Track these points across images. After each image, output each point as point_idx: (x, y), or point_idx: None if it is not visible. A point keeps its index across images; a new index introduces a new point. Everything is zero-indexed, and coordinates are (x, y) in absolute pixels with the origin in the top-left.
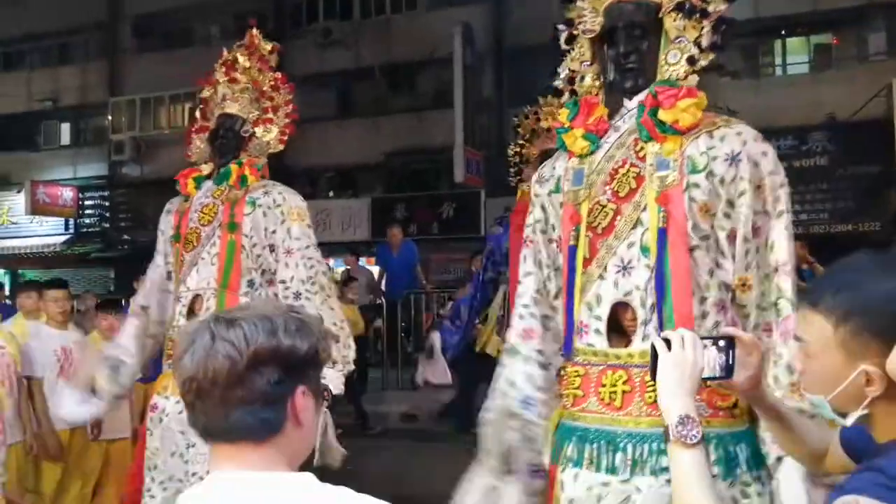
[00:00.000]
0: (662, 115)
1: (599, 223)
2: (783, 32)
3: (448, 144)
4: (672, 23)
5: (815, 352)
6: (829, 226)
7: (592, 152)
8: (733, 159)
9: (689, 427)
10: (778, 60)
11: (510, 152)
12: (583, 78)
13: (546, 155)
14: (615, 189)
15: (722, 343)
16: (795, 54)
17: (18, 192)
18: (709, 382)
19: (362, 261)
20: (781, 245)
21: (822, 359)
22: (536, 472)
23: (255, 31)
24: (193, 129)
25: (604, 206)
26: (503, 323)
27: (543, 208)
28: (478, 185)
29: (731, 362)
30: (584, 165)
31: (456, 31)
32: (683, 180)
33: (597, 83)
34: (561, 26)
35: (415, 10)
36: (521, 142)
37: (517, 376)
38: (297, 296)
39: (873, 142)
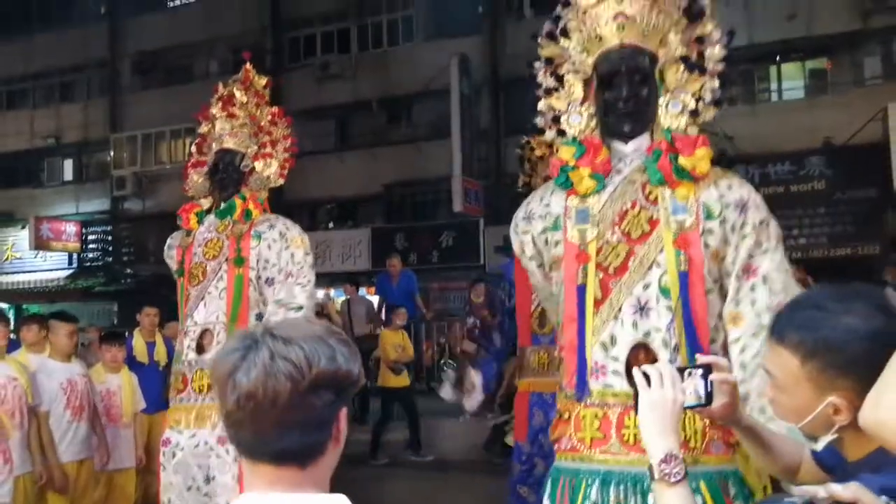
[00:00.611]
0: (683, 161)
1: (611, 263)
2: (778, 58)
3: (446, 174)
4: (673, 75)
5: (784, 384)
6: (828, 249)
7: (596, 192)
8: (742, 207)
9: (673, 465)
10: (773, 86)
11: (520, 182)
12: (570, 117)
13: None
14: (626, 230)
15: (700, 371)
16: (791, 79)
17: (23, 227)
18: (689, 411)
19: (362, 290)
20: (776, 278)
21: (791, 391)
22: None
23: (248, 65)
24: (190, 164)
25: (614, 247)
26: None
27: (535, 244)
28: (476, 214)
29: (709, 390)
30: (587, 205)
31: (452, 62)
32: (700, 225)
33: (591, 123)
34: (538, 64)
35: (411, 42)
36: (528, 172)
37: None
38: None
39: (870, 165)
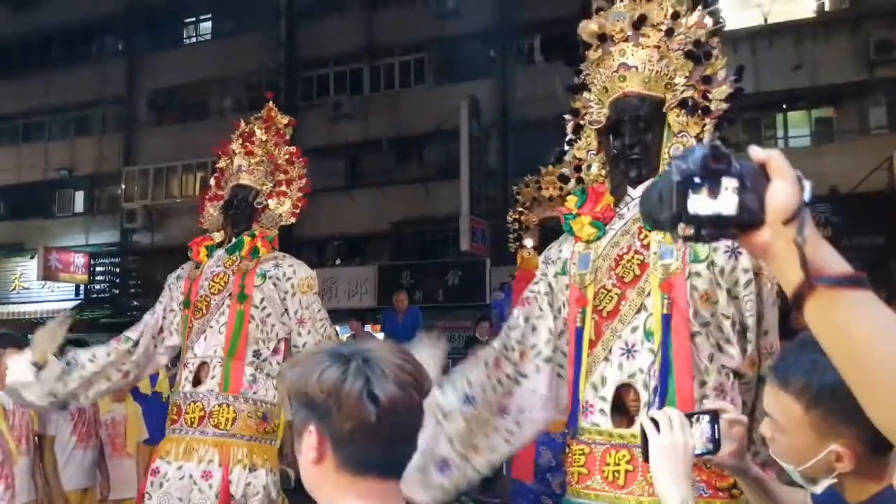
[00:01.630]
0: None
1: (605, 307)
2: (784, 106)
3: (454, 214)
4: (675, 118)
5: (785, 427)
6: None
7: (599, 238)
8: (733, 252)
9: None
10: (780, 133)
11: (509, 219)
12: (589, 166)
13: (545, 223)
14: (620, 274)
15: (707, 418)
16: (797, 127)
17: (31, 258)
18: (697, 459)
19: (367, 327)
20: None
21: (792, 435)
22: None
23: (271, 104)
24: (207, 198)
25: (609, 291)
26: None
27: (550, 286)
28: (483, 253)
29: (717, 436)
30: (590, 251)
31: (463, 104)
32: (686, 269)
33: (603, 172)
34: (567, 116)
35: (423, 84)
36: (520, 209)
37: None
38: None
39: (876, 214)
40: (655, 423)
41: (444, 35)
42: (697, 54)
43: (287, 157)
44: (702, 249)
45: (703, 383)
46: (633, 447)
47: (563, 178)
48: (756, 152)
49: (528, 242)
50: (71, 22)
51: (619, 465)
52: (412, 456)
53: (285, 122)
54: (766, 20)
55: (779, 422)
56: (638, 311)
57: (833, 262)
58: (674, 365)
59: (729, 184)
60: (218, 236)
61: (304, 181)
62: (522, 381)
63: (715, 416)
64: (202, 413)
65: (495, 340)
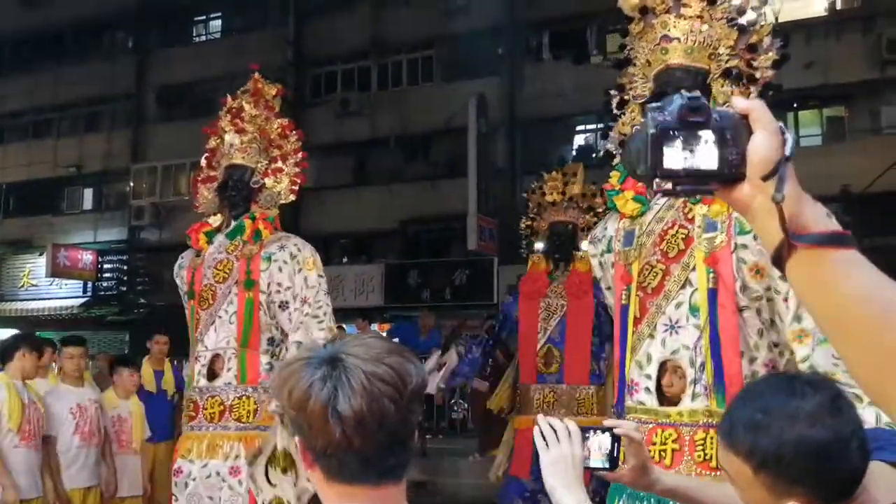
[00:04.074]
0: None
1: (649, 283)
2: (795, 105)
3: (462, 212)
4: (719, 88)
5: (740, 485)
6: None
7: (643, 214)
8: None
9: None
10: (791, 132)
11: (522, 225)
12: None
13: (554, 227)
14: (664, 250)
15: (608, 434)
16: (808, 126)
17: (40, 254)
18: (594, 473)
19: (374, 326)
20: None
21: (747, 492)
22: None
23: (257, 75)
24: (200, 180)
25: (653, 267)
26: (514, 386)
27: (601, 267)
28: (491, 252)
29: (615, 454)
30: (634, 227)
31: (471, 102)
32: (731, 241)
33: None
34: (613, 91)
35: (431, 82)
36: (531, 215)
37: None
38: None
39: (889, 213)
40: (553, 433)
41: (452, 32)
42: (741, 23)
43: (279, 130)
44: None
45: (752, 360)
46: (680, 426)
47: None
48: (738, 102)
49: (539, 247)
50: (80, 18)
51: (665, 444)
52: (408, 460)
53: (273, 92)
54: (776, 18)
55: (733, 480)
56: (682, 287)
57: (816, 218)
58: (721, 341)
59: (708, 136)
60: (215, 220)
61: (300, 155)
62: None
63: (616, 434)
64: (222, 407)
65: None
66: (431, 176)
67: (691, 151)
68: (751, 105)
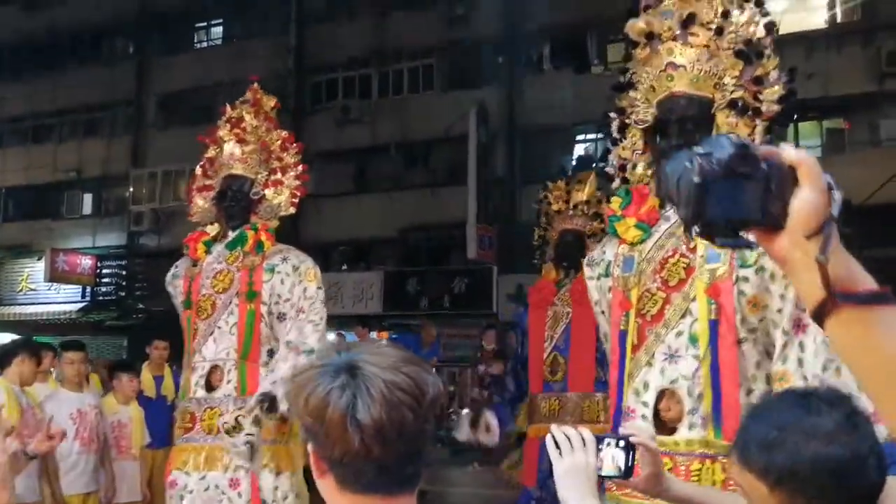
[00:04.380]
0: None
1: (649, 310)
2: (795, 116)
3: (461, 221)
4: (724, 119)
5: (755, 502)
6: None
7: (644, 241)
8: None
9: None
10: (791, 143)
11: (535, 235)
12: (634, 166)
13: (563, 235)
14: (665, 278)
15: (622, 442)
16: (808, 138)
17: (39, 259)
18: (607, 481)
19: (373, 334)
20: (816, 352)
21: None
22: None
23: (256, 86)
24: (195, 188)
25: (653, 294)
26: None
27: (598, 290)
28: (490, 261)
29: (629, 463)
30: (634, 253)
31: (471, 111)
32: (733, 273)
33: (648, 172)
34: (612, 114)
35: (431, 90)
36: (543, 225)
37: None
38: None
39: (888, 226)
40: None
41: (454, 41)
42: (748, 54)
43: (280, 142)
44: (750, 254)
45: (749, 391)
46: (675, 454)
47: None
48: (788, 153)
49: (549, 255)
50: (82, 23)
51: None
52: (420, 471)
53: (272, 104)
54: (777, 30)
55: (748, 496)
56: (683, 316)
57: (857, 276)
58: (721, 372)
59: (753, 186)
60: (213, 229)
61: (299, 168)
62: None
63: (629, 442)
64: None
65: None
66: (431, 184)
67: (735, 201)
68: (801, 158)
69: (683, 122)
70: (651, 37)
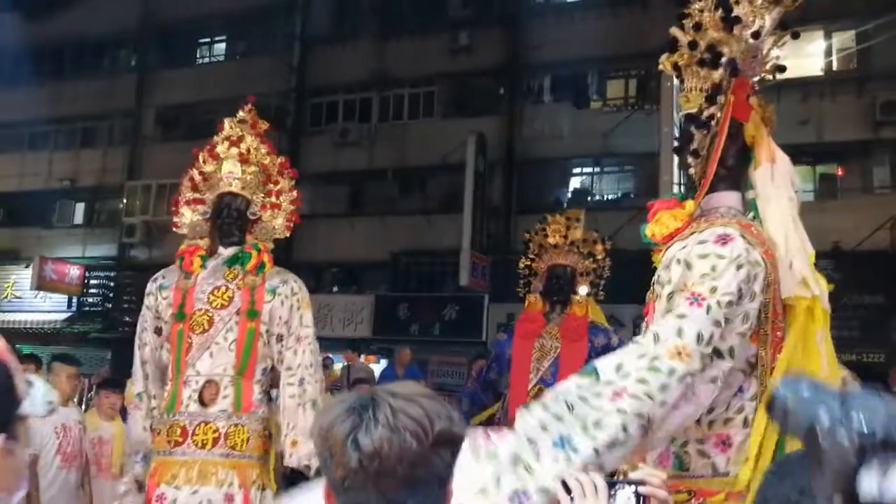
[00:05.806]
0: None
1: None
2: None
3: (455, 248)
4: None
5: None
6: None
7: None
8: (667, 265)
9: None
10: None
11: (521, 265)
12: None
13: (554, 269)
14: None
15: (632, 487)
16: (801, 182)
17: (26, 266)
18: None
19: (362, 358)
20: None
21: None
22: None
23: (249, 106)
24: (186, 201)
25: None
26: (501, 425)
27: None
28: (482, 289)
29: None
30: None
31: (469, 139)
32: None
33: None
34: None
35: (431, 117)
36: (531, 256)
37: None
38: (302, 381)
39: (878, 272)
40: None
41: (455, 70)
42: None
43: (278, 167)
44: (660, 265)
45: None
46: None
47: (554, 212)
48: None
49: (536, 288)
50: (84, 34)
51: None
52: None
53: (265, 126)
54: (773, 76)
55: None
56: None
57: None
58: None
59: None
60: (204, 244)
61: (294, 193)
62: None
63: (641, 493)
64: (216, 434)
65: None
66: (426, 210)
67: (883, 479)
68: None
69: None
70: (679, 69)
